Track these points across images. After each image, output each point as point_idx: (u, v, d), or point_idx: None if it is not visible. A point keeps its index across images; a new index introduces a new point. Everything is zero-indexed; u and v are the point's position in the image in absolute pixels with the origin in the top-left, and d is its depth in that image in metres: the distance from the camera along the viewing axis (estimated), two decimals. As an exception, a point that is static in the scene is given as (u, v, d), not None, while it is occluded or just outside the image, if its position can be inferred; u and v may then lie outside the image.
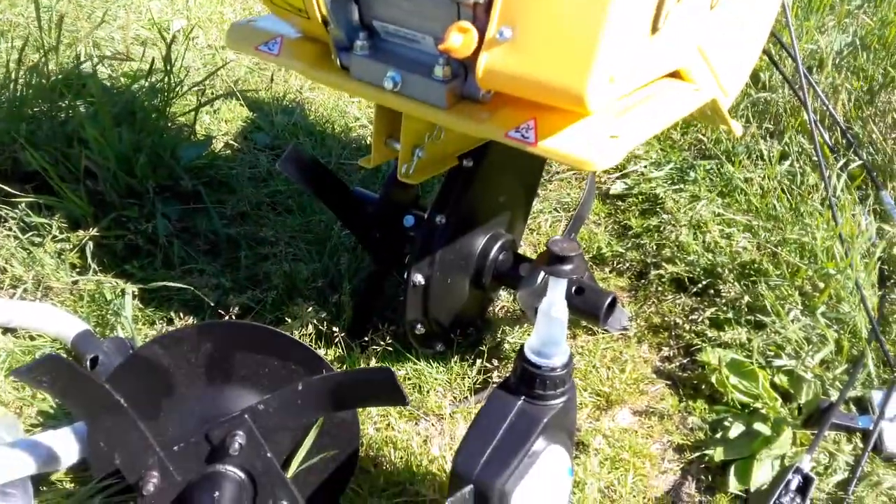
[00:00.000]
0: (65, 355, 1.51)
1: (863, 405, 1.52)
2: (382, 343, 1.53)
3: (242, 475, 1.10)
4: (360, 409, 1.45)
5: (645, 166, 2.20)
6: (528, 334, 1.09)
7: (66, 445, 1.25)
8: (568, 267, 1.01)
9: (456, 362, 1.60)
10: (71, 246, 1.72)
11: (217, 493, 1.07)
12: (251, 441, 1.09)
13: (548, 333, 1.07)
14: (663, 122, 1.20)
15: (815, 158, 1.86)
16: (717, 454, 1.44)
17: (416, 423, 1.50)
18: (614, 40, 0.98)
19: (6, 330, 1.55)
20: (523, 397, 1.09)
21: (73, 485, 1.29)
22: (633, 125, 1.13)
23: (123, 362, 1.20)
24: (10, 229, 1.72)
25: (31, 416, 1.40)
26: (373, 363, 1.54)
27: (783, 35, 1.98)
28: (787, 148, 2.08)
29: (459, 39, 1.03)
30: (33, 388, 1.39)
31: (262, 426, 1.10)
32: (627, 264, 1.93)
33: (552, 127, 1.10)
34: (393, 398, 1.07)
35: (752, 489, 1.38)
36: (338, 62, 1.24)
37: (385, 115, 1.34)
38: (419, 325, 1.52)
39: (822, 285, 1.69)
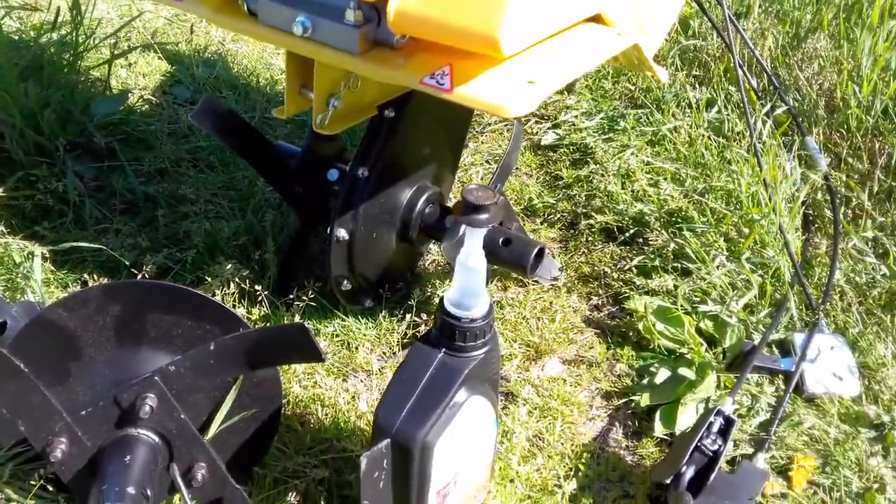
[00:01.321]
0: (-30, 322, 1.44)
1: (785, 348, 1.55)
2: (307, 300, 1.50)
3: (156, 438, 1.07)
4: (285, 368, 1.43)
5: (576, 116, 2.19)
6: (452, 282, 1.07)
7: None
8: (484, 216, 0.98)
9: (385, 317, 1.58)
10: (-25, 208, 1.63)
11: (128, 457, 1.03)
12: (163, 403, 1.05)
13: (466, 284, 1.05)
14: (583, 68, 1.18)
15: (742, 105, 1.86)
16: (644, 399, 1.46)
17: (343, 380, 1.47)
18: (526, -20, 0.95)
19: None
20: (444, 349, 1.07)
21: (-18, 455, 1.24)
22: (552, 70, 1.11)
23: (26, 326, 1.14)
24: None
25: (-65, 386, 1.34)
26: (297, 321, 1.51)
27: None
28: (714, 94, 2.08)
29: (368, -20, 0.99)
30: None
31: (175, 388, 1.06)
32: (558, 215, 1.93)
33: (468, 73, 1.08)
34: (309, 354, 1.04)
35: (677, 433, 1.40)
36: (245, 7, 1.18)
37: (297, 63, 1.29)
38: (345, 281, 1.49)
39: (746, 231, 1.71)
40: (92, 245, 1.56)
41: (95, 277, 1.51)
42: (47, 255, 1.57)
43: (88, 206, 1.68)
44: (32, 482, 1.12)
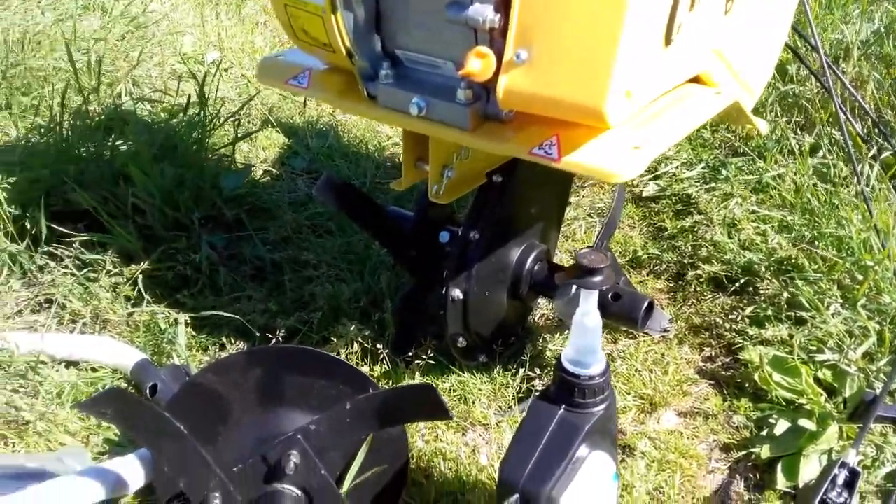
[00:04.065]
0: (125, 384, 1.59)
1: (909, 396, 1.52)
2: (425, 357, 1.58)
3: (299, 493, 1.15)
4: (409, 424, 1.50)
5: (676, 167, 2.21)
6: (568, 341, 1.12)
7: (132, 471, 1.31)
8: (598, 278, 1.04)
9: (499, 372, 1.64)
10: (124, 279, 1.79)
11: (276, 512, 1.12)
12: (306, 460, 1.14)
13: (583, 343, 1.10)
14: (685, 129, 1.23)
15: (846, 150, 1.85)
16: (764, 452, 1.45)
17: (463, 434, 1.53)
18: (628, 56, 1.01)
19: (69, 363, 1.62)
20: (564, 406, 1.12)
21: (140, 509, 1.36)
22: (655, 134, 1.16)
23: (179, 391, 1.26)
24: (67, 267, 1.80)
25: (97, 444, 1.47)
26: (417, 377, 1.58)
27: (806, 29, 1.98)
28: (818, 140, 2.07)
29: (478, 64, 1.07)
30: (98, 419, 1.46)
31: (315, 445, 1.15)
32: (664, 266, 1.95)
33: (575, 142, 1.14)
34: (436, 413, 1.11)
35: (801, 485, 1.39)
36: (364, 92, 1.29)
37: (413, 139, 1.38)
38: (461, 339, 1.55)
39: (860, 278, 1.69)
40: (227, 313, 1.70)
41: (232, 341, 1.64)
42: (188, 321, 1.71)
43: (222, 274, 1.83)
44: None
